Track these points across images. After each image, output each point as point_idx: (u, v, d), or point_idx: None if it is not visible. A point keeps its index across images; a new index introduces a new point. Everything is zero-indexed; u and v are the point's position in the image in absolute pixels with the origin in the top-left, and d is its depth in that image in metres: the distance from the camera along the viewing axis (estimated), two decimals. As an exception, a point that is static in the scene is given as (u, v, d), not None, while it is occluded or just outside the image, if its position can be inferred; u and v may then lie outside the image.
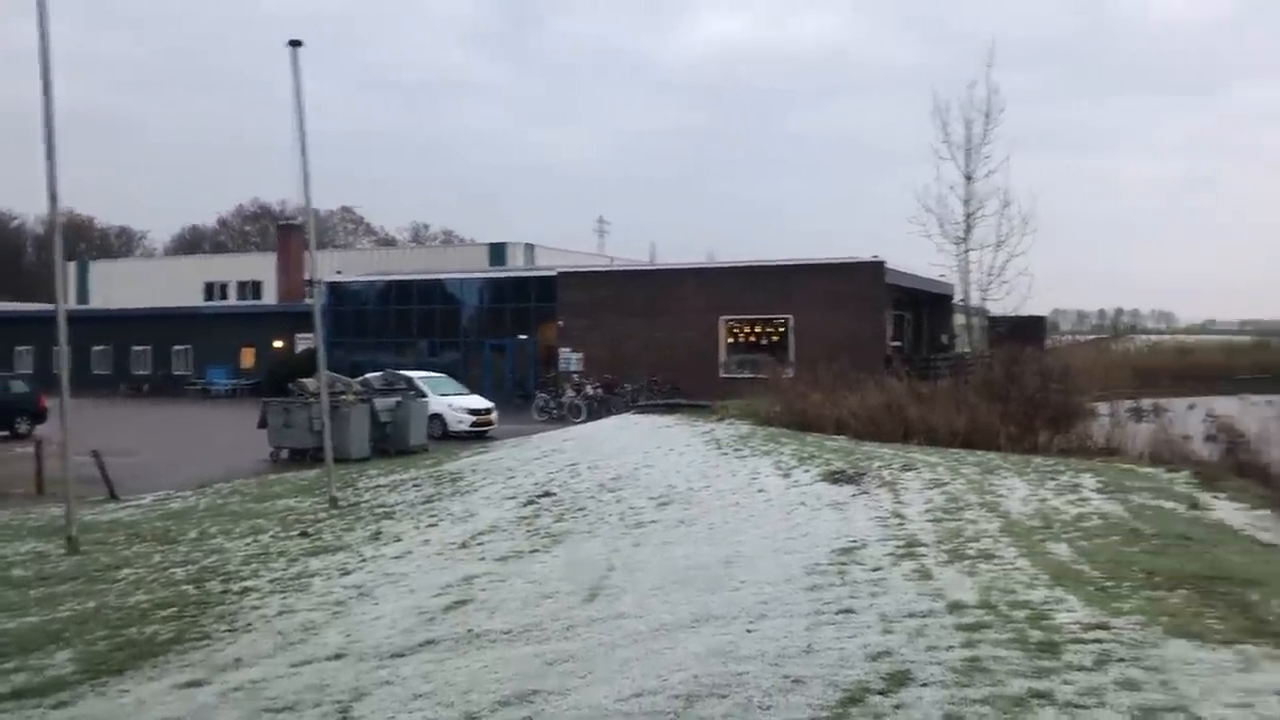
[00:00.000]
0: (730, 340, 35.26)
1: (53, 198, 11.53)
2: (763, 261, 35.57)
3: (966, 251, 24.02)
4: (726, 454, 15.62)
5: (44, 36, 11.10)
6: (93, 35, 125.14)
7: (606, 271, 41.31)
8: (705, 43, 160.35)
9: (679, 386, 31.90)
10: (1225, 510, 10.23)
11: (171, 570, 10.24)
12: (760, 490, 12.30)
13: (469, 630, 7.19)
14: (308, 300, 49.20)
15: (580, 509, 12.47)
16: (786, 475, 13.15)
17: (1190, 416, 16.02)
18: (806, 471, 13.24)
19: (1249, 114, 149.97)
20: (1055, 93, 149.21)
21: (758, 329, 35.14)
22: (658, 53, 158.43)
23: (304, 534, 12.03)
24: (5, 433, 26.37)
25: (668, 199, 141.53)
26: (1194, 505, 10.29)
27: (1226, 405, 15.41)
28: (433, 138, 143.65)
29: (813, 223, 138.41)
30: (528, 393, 34.69)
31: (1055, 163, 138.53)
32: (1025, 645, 5.44)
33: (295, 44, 14.32)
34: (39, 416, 27.50)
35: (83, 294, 63.64)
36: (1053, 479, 12.02)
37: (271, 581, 9.59)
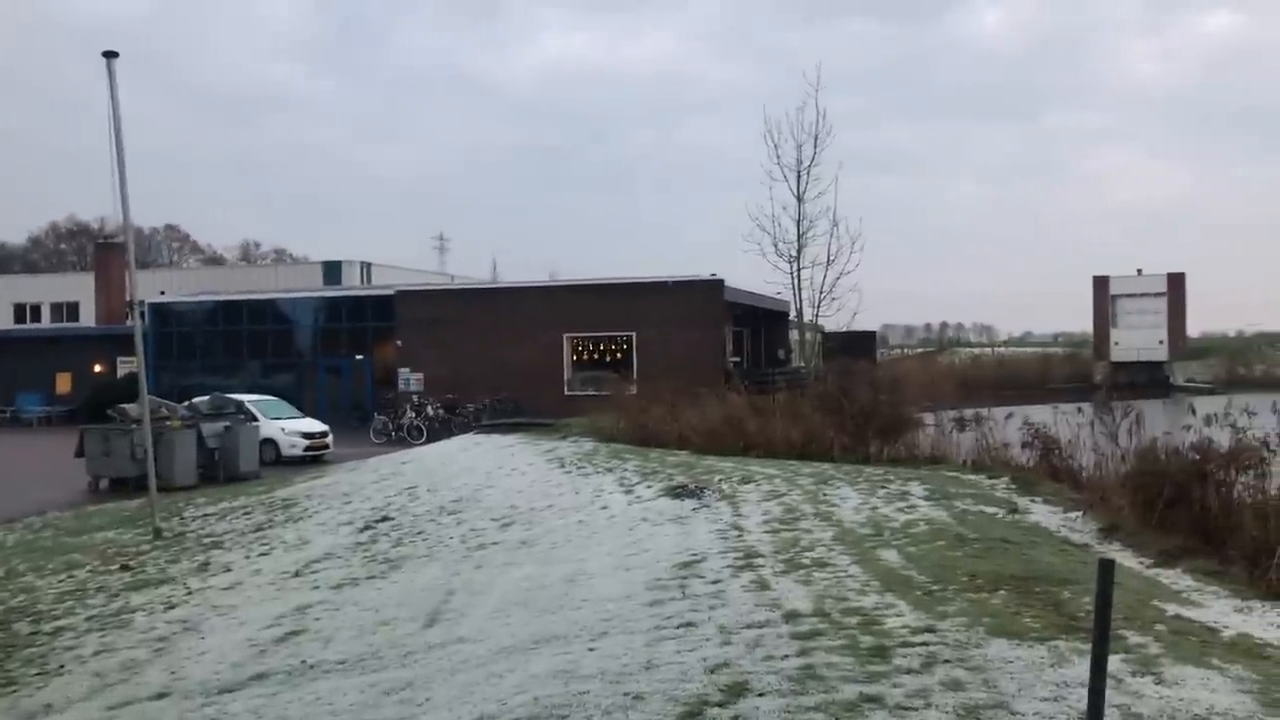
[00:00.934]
0: (574, 358, 35.32)
1: None
2: (606, 279, 35.83)
3: (799, 270, 24.88)
4: (570, 472, 15.61)
5: None
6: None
7: (447, 290, 40.82)
8: (545, 62, 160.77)
9: (522, 405, 31.72)
10: (1041, 513, 10.82)
11: (-27, 613, 9.54)
12: (603, 507, 12.33)
13: (302, 661, 6.95)
14: (129, 322, 46.82)
15: (419, 533, 12.25)
16: (629, 491, 13.23)
17: (1009, 425, 16.84)
18: (649, 487, 13.35)
19: (1060, 136, 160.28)
20: (882, 116, 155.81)
21: (601, 346, 35.32)
22: (497, 71, 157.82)
23: (125, 567, 11.40)
24: None
25: (510, 218, 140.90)
26: (1013, 509, 10.83)
27: (1041, 413, 16.29)
28: (262, 154, 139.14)
29: (658, 242, 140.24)
30: (366, 415, 33.89)
31: (883, 184, 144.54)
32: (857, 651, 5.60)
33: (110, 55, 13.62)
34: None
35: None
36: (883, 487, 12.46)
37: (88, 619, 9.05)
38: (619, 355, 34.76)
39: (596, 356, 35.37)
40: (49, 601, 9.92)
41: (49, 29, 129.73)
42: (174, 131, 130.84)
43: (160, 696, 6.48)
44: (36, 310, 58.11)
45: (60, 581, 10.90)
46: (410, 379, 35.57)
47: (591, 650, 6.21)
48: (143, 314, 15.75)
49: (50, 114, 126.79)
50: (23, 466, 25.28)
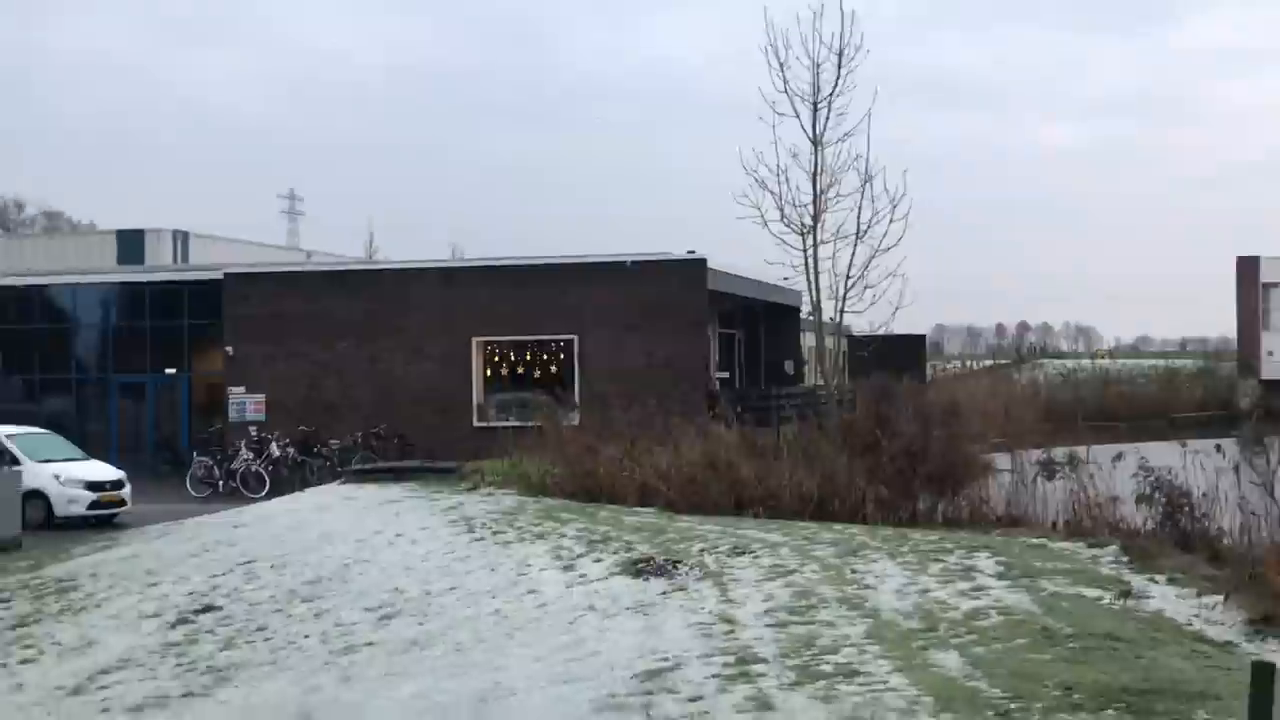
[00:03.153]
0: (488, 372, 35.28)
1: None
2: (535, 259, 35.81)
3: (816, 244, 24.88)
4: (483, 539, 15.60)
5: None
6: None
7: (301, 272, 40.63)
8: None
9: (412, 442, 31.64)
10: (1164, 598, 10.93)
11: None
12: (531, 591, 12.32)
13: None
14: None
15: (260, 629, 12.20)
16: (569, 568, 13.22)
17: (1118, 471, 16.99)
18: (598, 561, 13.35)
19: (1192, 59, 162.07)
20: (933, 23, 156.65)
21: (528, 356, 35.33)
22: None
23: None
24: None
25: (393, 169, 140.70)
26: (1124, 593, 10.93)
27: (1164, 454, 16.45)
28: (23, 70, 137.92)
29: (615, 205, 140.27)
30: (179, 457, 33.66)
31: (937, 124, 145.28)
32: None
33: None
34: None
35: None
36: (937, 561, 12.54)
37: None
38: (554, 368, 34.77)
39: (521, 371, 35.38)
40: None
41: None
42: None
43: None
44: None
45: None
46: (246, 404, 35.36)
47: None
48: None
49: None
50: None
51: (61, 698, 10.22)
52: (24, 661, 11.77)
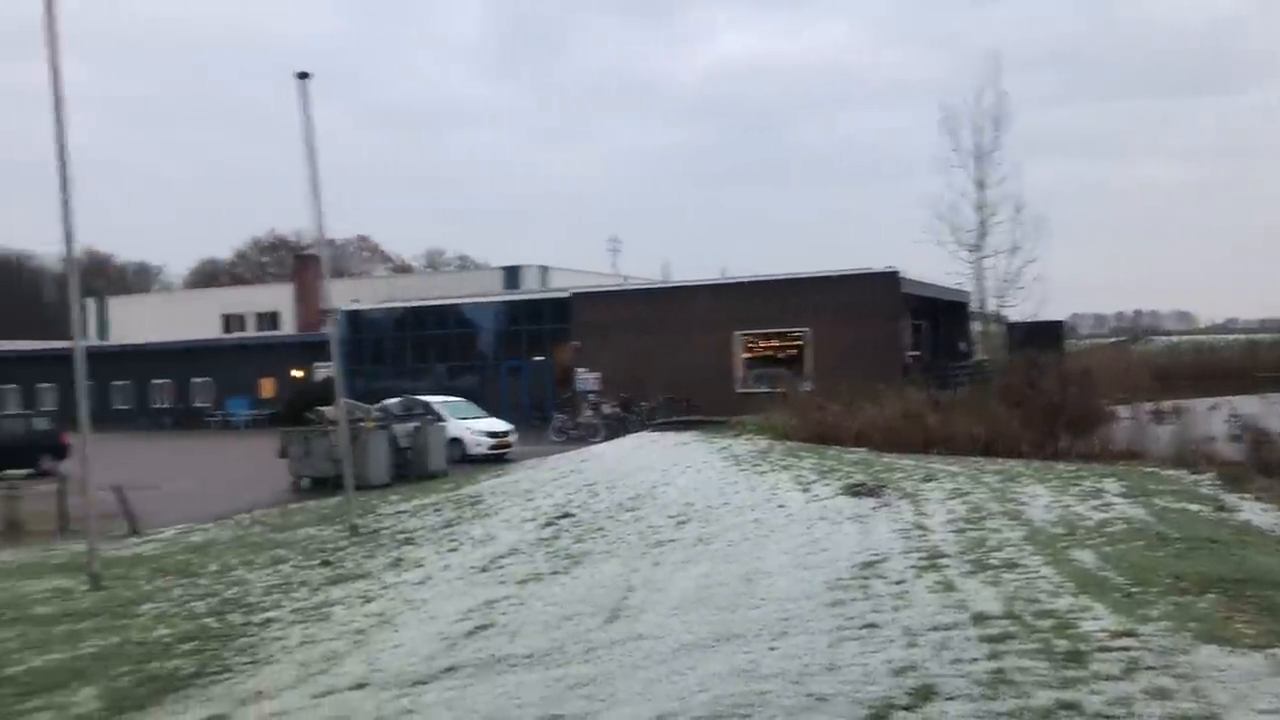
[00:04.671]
0: (746, 355, 35.19)
1: (68, 236, 11.61)
2: (777, 275, 35.54)
3: (981, 258, 24.04)
4: (745, 470, 15.56)
5: (56, 77, 11.20)
6: (103, 73, 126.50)
7: (620, 291, 41.34)
8: (716, 61, 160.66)
9: (695, 403, 31.83)
10: (1252, 511, 10.10)
11: (193, 604, 10.23)
12: (780, 506, 12.23)
13: (491, 655, 7.15)
14: (325, 329, 49.45)
15: (599, 529, 12.43)
16: (806, 490, 13.08)
17: (1212, 417, 15.85)
18: (826, 485, 13.16)
19: (1261, 112, 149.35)
20: (1067, 96, 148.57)
21: (774, 343, 35.06)
22: (669, 72, 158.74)
23: (325, 563, 12.02)
24: (29, 470, 26.48)
25: (680, 217, 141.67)
26: (1219, 507, 10.17)
27: (1249, 405, 15.25)
28: (444, 163, 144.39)
29: (827, 235, 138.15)
30: (545, 414, 34.67)
31: (1069, 167, 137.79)
32: (1052, 655, 5.36)
33: (303, 76, 14.42)
34: (61, 453, 27.64)
35: (102, 330, 64.09)
36: (1075, 485, 11.91)
37: (293, 612, 9.57)
38: (792, 351, 34.42)
39: (769, 353, 35.12)
40: (258, 594, 10.54)
41: (250, 53, 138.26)
42: (363, 145, 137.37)
43: (359, 687, 6.78)
44: (242, 320, 62.03)
45: (268, 576, 11.57)
46: (587, 379, 36.21)
47: (772, 650, 6.16)
48: (338, 321, 16.58)
49: (248, 132, 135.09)
50: (233, 467, 27.06)
51: (474, 574, 10.63)
52: (450, 550, 12.30)
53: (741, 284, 36.39)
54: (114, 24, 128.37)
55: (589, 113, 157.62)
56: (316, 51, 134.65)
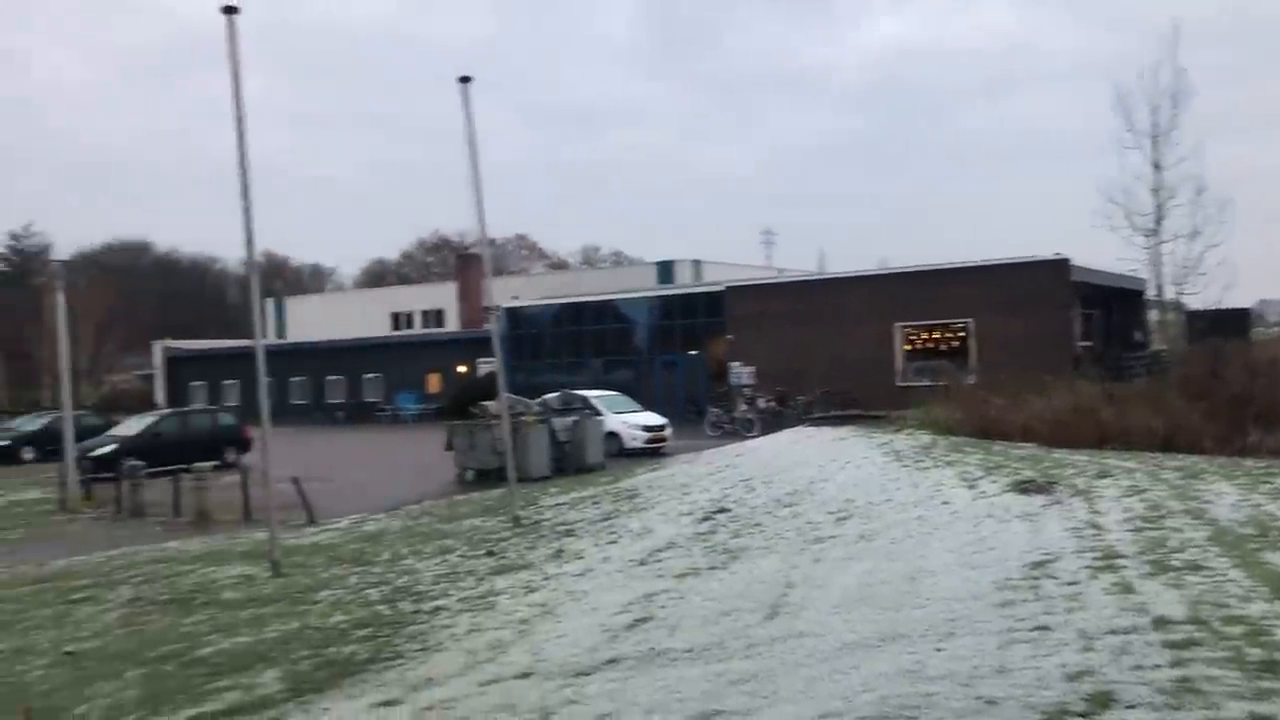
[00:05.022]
0: (906, 348, 34.42)
1: (249, 241, 12.26)
2: (938, 265, 34.60)
3: (1158, 244, 22.85)
4: (907, 466, 15.22)
5: (237, 90, 11.84)
6: (276, 83, 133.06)
7: (775, 283, 40.99)
8: (873, 47, 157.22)
9: (854, 397, 31.34)
10: None
11: (367, 591, 10.67)
12: (944, 503, 11.92)
13: (651, 648, 7.21)
14: (487, 326, 50.78)
15: (756, 525, 12.37)
16: (972, 486, 12.70)
17: None
18: (993, 482, 12.75)
19: None
20: (1252, 70, 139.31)
21: (935, 335, 34.18)
22: (824, 61, 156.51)
23: (490, 553, 12.36)
24: (215, 462, 28.14)
25: (836, 208, 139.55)
26: None
27: None
28: (599, 161, 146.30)
29: (990, 223, 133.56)
30: (700, 408, 34.71)
31: (1257, 145, 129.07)
32: (1243, 664, 5.05)
33: (465, 80, 14.84)
34: (244, 446, 29.25)
35: (280, 329, 67.55)
36: (1266, 482, 11.19)
37: (460, 600, 9.87)
38: (955, 343, 33.49)
39: (930, 345, 34.27)
40: (427, 583, 10.91)
41: (413, 57, 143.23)
42: (520, 144, 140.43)
43: (524, 676, 6.94)
44: (409, 318, 64.38)
45: (436, 565, 11.97)
46: (742, 373, 36.08)
47: (939, 650, 6.00)
48: (499, 318, 17.00)
49: (412, 136, 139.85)
50: (402, 459, 28.10)
51: (633, 567, 10.74)
52: (609, 543, 12.45)
53: (902, 274, 35.61)
54: (285, 36, 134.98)
55: (742, 105, 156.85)
56: (474, 54, 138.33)
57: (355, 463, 28.03)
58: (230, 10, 11.55)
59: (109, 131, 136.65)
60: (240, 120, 11.83)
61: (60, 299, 23.74)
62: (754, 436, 26.41)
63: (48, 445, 32.24)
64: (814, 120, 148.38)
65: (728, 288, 38.36)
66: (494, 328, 16.97)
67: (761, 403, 31.79)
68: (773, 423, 29.20)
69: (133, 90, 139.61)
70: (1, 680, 8.01)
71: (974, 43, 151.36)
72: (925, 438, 18.45)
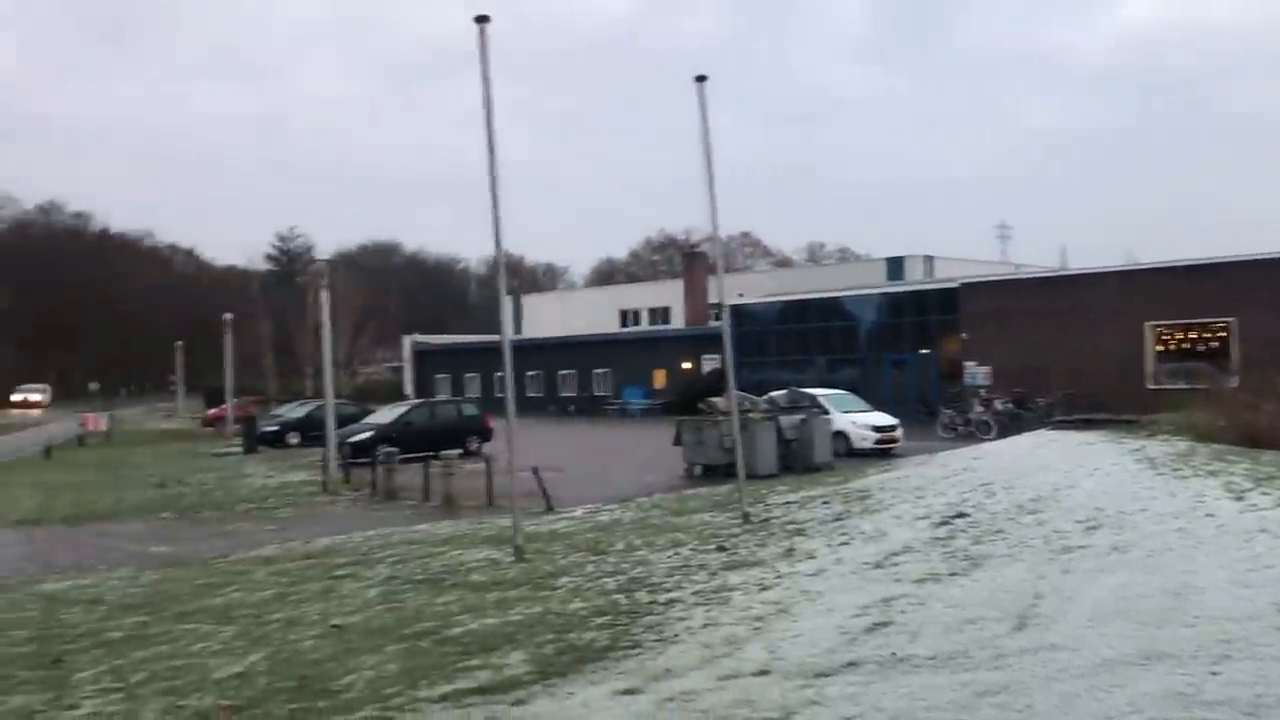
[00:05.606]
0: (1158, 348, 32.19)
1: (497, 242, 12.80)
2: (1196, 260, 32.17)
3: None
4: (1163, 474, 14.20)
5: (488, 96, 12.37)
6: (508, 86, 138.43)
7: (1013, 280, 39.26)
8: (1121, 30, 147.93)
9: (1099, 400, 29.56)
10: None
11: (604, 580, 10.92)
12: (1208, 515, 11.04)
13: (892, 654, 7.02)
14: (713, 323, 51.16)
15: (998, 531, 11.85)
16: (1240, 499, 11.71)
17: None
18: (1265, 494, 11.72)
19: None
20: None
21: (1191, 335, 31.81)
22: (1067, 44, 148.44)
23: (721, 548, 12.40)
24: (459, 450, 29.65)
25: (1076, 201, 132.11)
26: None
27: None
28: (825, 155, 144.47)
29: (1255, 214, 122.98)
30: (931, 409, 33.71)
31: None
32: None
33: (701, 79, 14.94)
34: (486, 435, 30.71)
35: (517, 325, 70.38)
36: None
37: (694, 594, 9.94)
38: (1214, 344, 31.04)
39: (1185, 346, 31.93)
40: (660, 575, 11.06)
41: (642, 58, 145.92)
42: (744, 140, 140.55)
43: (762, 674, 6.90)
44: (636, 315, 65.68)
45: (668, 557, 12.11)
46: (976, 373, 34.78)
47: (1214, 674, 5.55)
48: (728, 315, 17.06)
49: (638, 137, 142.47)
50: (630, 452, 28.70)
51: (868, 570, 10.51)
52: (841, 544, 12.23)
53: (1154, 270, 33.31)
54: (520, 40, 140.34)
55: (977, 93, 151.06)
56: (700, 52, 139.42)
57: (586, 454, 28.84)
58: (482, 19, 12.08)
59: (364, 140, 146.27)
60: (490, 125, 12.34)
61: (325, 296, 25.61)
62: (991, 439, 25.37)
63: (310, 431, 34.95)
64: (1055, 107, 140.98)
65: (962, 284, 37.05)
66: (725, 325, 17.01)
67: (998, 404, 30.52)
68: (1010, 425, 27.95)
69: (384, 101, 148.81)
70: (278, 648, 8.68)
71: (1239, 20, 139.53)
72: (1181, 444, 17.15)
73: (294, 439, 37.03)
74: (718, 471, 20.92)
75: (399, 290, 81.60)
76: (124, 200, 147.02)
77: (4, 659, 8.74)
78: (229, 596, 10.99)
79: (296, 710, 6.87)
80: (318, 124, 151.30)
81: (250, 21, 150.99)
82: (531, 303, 74.17)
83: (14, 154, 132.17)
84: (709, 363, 45.78)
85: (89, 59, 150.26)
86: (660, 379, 49.49)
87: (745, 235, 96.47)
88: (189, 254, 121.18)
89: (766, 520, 14.57)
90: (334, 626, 9.34)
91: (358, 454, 25.68)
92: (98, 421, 48.76)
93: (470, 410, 33.20)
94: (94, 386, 72.37)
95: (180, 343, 56.78)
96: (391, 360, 70.13)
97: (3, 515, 20.32)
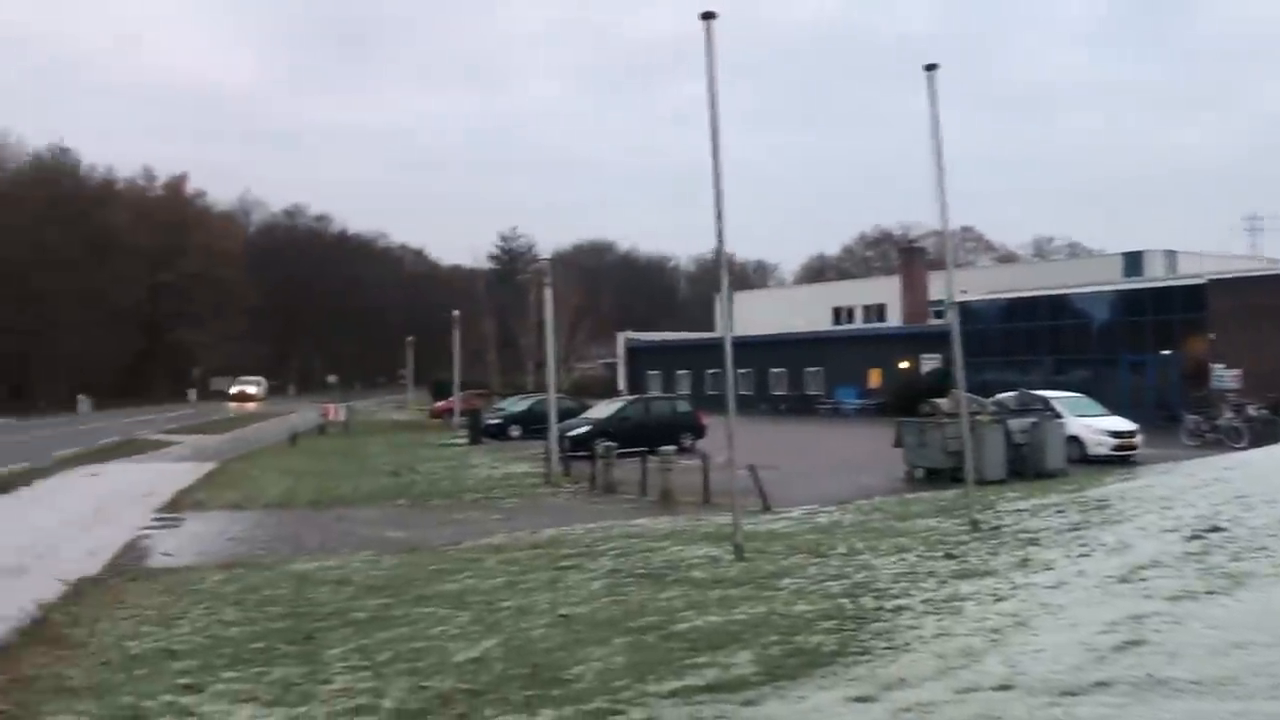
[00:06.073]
0: None
1: (720, 240, 12.82)
2: None
3: None
4: None
5: (713, 93, 12.39)
6: (718, 86, 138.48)
7: (1270, 275, 36.17)
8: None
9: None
10: None
11: (827, 583, 10.73)
12: None
13: (1148, 675, 6.55)
14: (931, 321, 49.67)
15: (1261, 548, 10.87)
16: None
17: None
18: None
19: None
20: None
21: None
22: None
23: (949, 556, 11.97)
24: (672, 447, 29.95)
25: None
26: None
27: None
28: (1052, 146, 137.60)
29: None
30: (1173, 414, 31.52)
31: None
32: None
33: (931, 68, 14.45)
34: (699, 432, 30.89)
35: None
36: None
37: (923, 602, 9.62)
38: None
39: None
40: (885, 580, 10.76)
41: (857, 49, 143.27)
42: (964, 132, 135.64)
43: (1003, 689, 6.58)
44: (850, 312, 64.55)
45: (893, 563, 11.78)
46: (1224, 376, 32.29)
47: None
48: (954, 313, 16.52)
49: (852, 130, 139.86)
50: (846, 453, 28.21)
51: (1112, 584, 9.88)
52: (1081, 555, 11.56)
53: None
54: (727, 36, 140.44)
55: (1219, 79, 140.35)
56: (914, 37, 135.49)
57: (800, 454, 28.54)
58: (708, 16, 12.10)
59: (579, 141, 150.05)
60: (714, 121, 12.36)
61: (548, 294, 26.41)
62: (1242, 448, 23.50)
63: (531, 425, 36.17)
64: None
65: (1210, 280, 34.46)
66: (954, 322, 16.45)
67: (1251, 410, 28.18)
68: (1264, 433, 25.78)
69: (597, 102, 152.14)
70: (510, 636, 8.96)
71: None
72: None
73: (515, 432, 38.40)
74: (941, 475, 20.26)
75: (612, 288, 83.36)
76: (359, 202, 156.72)
77: (266, 633, 9.41)
78: (463, 583, 11.45)
79: (531, 697, 7.06)
80: (537, 126, 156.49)
81: (476, 28, 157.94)
82: (742, 300, 74.05)
83: (263, 159, 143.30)
84: (928, 362, 44.45)
85: (328, 70, 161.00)
86: (875, 378, 48.44)
87: (967, 230, 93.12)
88: (418, 254, 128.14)
89: (997, 528, 13.96)
90: (562, 616, 9.57)
91: (576, 448, 26.36)
92: (337, 412, 52.08)
93: (684, 407, 33.50)
94: (332, 379, 77.37)
95: (410, 338, 59.89)
96: (605, 357, 71.67)
97: (256, 498, 21.97)
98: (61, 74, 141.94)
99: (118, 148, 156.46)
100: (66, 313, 77.67)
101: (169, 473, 28.21)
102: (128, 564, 14.09)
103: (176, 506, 20.66)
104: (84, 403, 72.34)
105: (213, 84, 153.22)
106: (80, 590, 11.88)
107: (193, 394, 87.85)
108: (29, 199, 79.76)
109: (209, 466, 29.95)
